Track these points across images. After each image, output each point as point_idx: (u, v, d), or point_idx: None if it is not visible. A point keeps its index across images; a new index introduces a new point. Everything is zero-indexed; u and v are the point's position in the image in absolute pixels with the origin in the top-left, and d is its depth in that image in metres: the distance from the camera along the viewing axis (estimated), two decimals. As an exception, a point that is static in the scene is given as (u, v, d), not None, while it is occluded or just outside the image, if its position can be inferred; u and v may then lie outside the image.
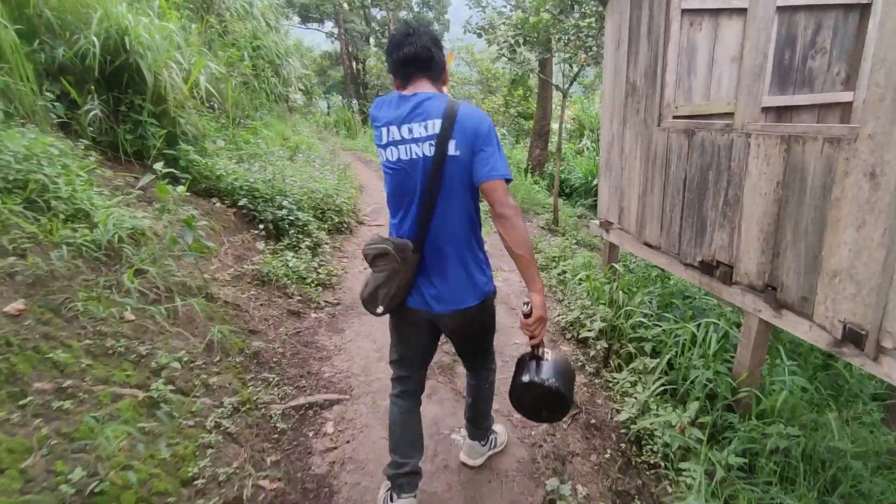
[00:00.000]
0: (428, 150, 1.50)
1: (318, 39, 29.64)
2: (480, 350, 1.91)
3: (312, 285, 3.86)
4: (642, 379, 2.76)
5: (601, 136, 4.15)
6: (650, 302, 3.41)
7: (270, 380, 2.43)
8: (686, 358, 2.78)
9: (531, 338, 1.57)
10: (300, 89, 9.55)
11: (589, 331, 3.11)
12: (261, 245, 3.77)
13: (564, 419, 2.41)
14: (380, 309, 1.65)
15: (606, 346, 3.00)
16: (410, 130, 1.50)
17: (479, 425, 2.11)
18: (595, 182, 11.87)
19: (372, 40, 27.19)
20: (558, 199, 7.79)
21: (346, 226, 5.58)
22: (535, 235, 6.20)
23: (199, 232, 2.51)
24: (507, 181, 1.52)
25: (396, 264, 1.56)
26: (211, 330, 2.30)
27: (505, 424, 2.42)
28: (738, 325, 3.44)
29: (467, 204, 1.59)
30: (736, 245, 2.68)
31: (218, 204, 3.92)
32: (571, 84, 7.57)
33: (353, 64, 25.88)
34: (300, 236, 4.31)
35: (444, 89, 1.65)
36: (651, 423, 2.36)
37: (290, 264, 3.76)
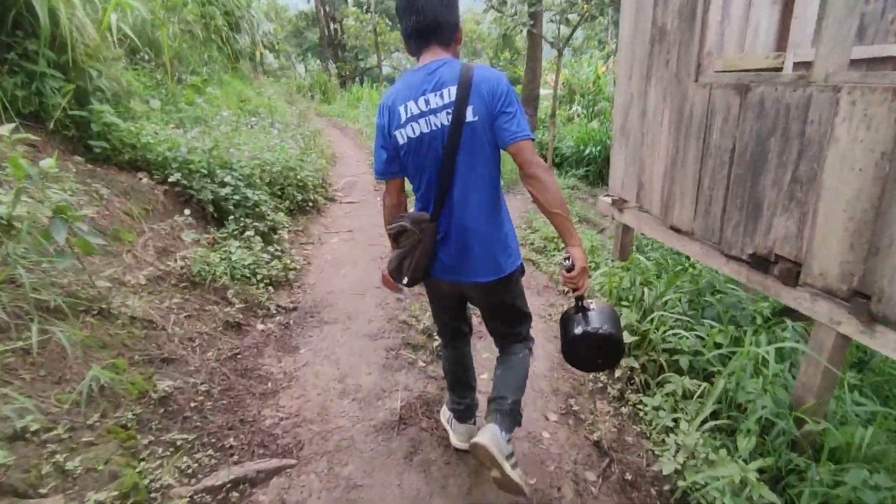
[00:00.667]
0: (445, 118, 1.45)
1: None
2: (511, 328, 1.78)
3: (262, 285, 3.11)
4: (680, 407, 2.16)
5: (615, 95, 3.44)
6: (680, 301, 2.79)
7: (179, 442, 1.68)
8: (735, 377, 2.18)
9: (575, 290, 1.55)
10: (266, 47, 8.47)
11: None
12: (190, 236, 2.97)
13: (596, 478, 1.81)
14: (405, 280, 1.64)
15: (637, 363, 2.38)
16: (427, 102, 1.46)
17: (504, 399, 1.63)
18: (587, 151, 11.09)
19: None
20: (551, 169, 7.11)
21: (311, 204, 4.78)
22: (528, 211, 5.54)
23: (81, 225, 1.75)
24: (532, 140, 1.45)
25: (416, 236, 1.56)
26: (93, 369, 1.57)
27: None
28: (768, 319, 2.89)
29: (489, 171, 1.54)
30: (808, 236, 2.05)
31: (145, 180, 3.11)
32: (568, 40, 6.76)
33: (330, 24, 24.22)
34: (249, 220, 3.53)
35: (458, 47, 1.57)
36: (704, 479, 1.77)
37: (234, 258, 3.00)
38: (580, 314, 1.56)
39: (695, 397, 2.10)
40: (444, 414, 2.11)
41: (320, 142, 6.62)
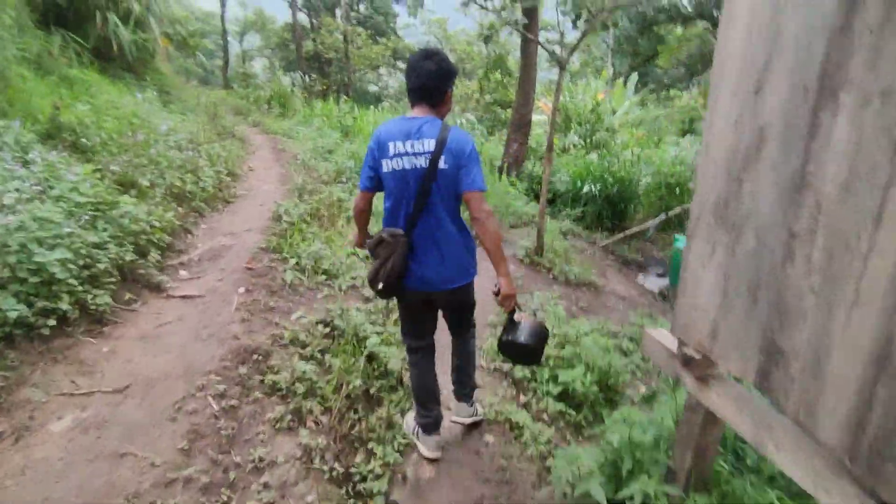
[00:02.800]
0: (423, 162, 1.99)
1: (281, 10, 26.09)
2: (465, 319, 2.43)
3: None
4: None
5: (705, 129, 1.56)
6: None
7: None
8: None
9: (504, 308, 2.12)
10: (166, 34, 6.54)
11: None
12: None
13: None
14: (380, 285, 2.07)
15: None
16: (412, 146, 1.99)
17: (465, 385, 2.52)
18: (585, 188, 9.21)
19: (339, 12, 23.55)
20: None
21: (76, 316, 2.61)
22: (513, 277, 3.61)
23: None
24: (482, 191, 2.01)
25: (391, 247, 2.04)
26: None
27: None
28: None
29: (454, 205, 2.10)
30: None
31: None
32: (575, 49, 4.94)
33: (311, 36, 22.43)
34: None
35: (446, 109, 2.15)
36: None
37: None
38: (512, 325, 2.13)
39: None
40: (409, 425, 2.52)
41: (209, 173, 4.44)
